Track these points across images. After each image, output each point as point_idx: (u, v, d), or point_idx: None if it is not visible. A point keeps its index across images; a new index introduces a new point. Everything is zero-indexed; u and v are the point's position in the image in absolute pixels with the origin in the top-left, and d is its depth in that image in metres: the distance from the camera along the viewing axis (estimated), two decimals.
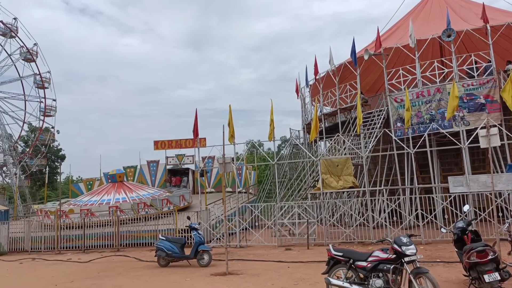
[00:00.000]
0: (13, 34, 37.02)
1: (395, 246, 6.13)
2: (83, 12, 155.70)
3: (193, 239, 11.72)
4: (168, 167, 29.42)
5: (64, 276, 11.12)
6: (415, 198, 15.23)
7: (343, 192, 16.76)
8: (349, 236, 14.51)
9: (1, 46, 36.77)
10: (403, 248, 6.04)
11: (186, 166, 29.73)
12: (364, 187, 15.71)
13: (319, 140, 21.10)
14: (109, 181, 22.52)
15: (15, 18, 37.40)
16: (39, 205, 22.03)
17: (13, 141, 37.29)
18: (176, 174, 30.24)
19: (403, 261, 6.04)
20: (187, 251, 11.77)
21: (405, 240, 6.16)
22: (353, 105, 19.39)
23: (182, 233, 15.42)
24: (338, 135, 18.20)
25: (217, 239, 15.89)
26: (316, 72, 21.92)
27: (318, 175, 15.77)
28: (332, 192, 16.67)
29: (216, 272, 10.15)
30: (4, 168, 34.50)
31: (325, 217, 15.67)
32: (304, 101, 24.70)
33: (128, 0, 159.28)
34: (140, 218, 17.36)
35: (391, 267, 6.08)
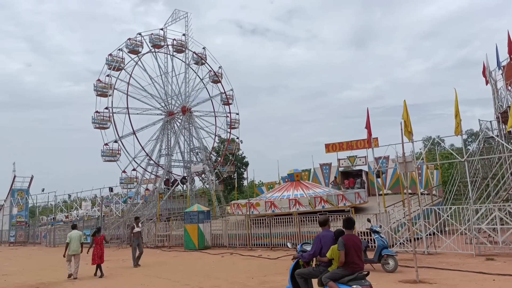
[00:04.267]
0: (203, 62, 44.02)
1: None
2: (254, 32, 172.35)
3: (375, 243, 11.35)
4: (340, 169, 29.50)
5: (258, 270, 12.40)
6: None
7: None
8: None
9: (195, 73, 44.17)
10: None
11: (358, 167, 29.20)
12: None
13: None
14: (287, 180, 24.49)
15: (203, 48, 44.50)
16: (233, 201, 25.49)
17: (208, 152, 44.06)
18: (349, 176, 30.02)
19: None
20: (369, 255, 11.47)
21: None
22: None
23: (361, 235, 15.13)
24: None
25: (400, 243, 14.96)
26: (510, 50, 18.39)
27: None
28: None
29: (405, 279, 9.55)
30: (203, 175, 41.07)
31: None
32: (496, 86, 21.01)
33: (291, 13, 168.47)
34: (317, 215, 17.94)
35: None
